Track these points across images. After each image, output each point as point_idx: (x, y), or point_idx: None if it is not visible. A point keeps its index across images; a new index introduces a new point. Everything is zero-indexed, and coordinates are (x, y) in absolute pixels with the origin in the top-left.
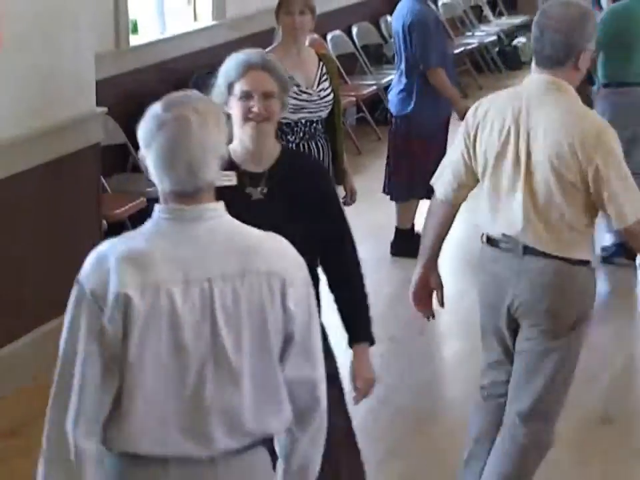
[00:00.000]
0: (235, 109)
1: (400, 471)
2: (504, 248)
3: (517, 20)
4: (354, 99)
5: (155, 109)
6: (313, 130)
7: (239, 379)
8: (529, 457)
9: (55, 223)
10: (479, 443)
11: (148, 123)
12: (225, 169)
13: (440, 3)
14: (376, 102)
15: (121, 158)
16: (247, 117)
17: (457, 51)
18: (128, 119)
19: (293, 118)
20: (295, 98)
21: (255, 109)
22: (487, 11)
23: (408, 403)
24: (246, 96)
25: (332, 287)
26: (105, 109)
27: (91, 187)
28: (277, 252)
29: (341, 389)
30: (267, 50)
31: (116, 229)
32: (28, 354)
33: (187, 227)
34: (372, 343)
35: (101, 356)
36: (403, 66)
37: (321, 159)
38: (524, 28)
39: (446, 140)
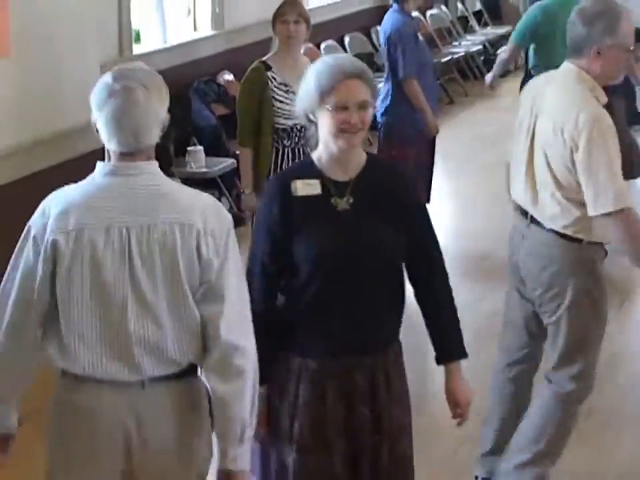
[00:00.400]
0: (327, 118)
1: None
2: (517, 215)
3: (502, 30)
4: None
5: (106, 78)
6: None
7: (158, 315)
8: (558, 408)
9: None
10: (496, 405)
11: (100, 91)
12: (309, 177)
13: (428, 14)
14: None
15: None
16: (341, 129)
17: (444, 60)
18: None
19: (288, 124)
20: (290, 104)
21: (352, 121)
22: (473, 22)
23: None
24: (342, 107)
25: (420, 298)
26: None
27: None
28: (196, 206)
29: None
30: (264, 58)
31: None
32: None
33: (121, 181)
34: (466, 356)
35: (33, 288)
36: (385, 74)
37: None
38: (508, 38)
39: (430, 146)
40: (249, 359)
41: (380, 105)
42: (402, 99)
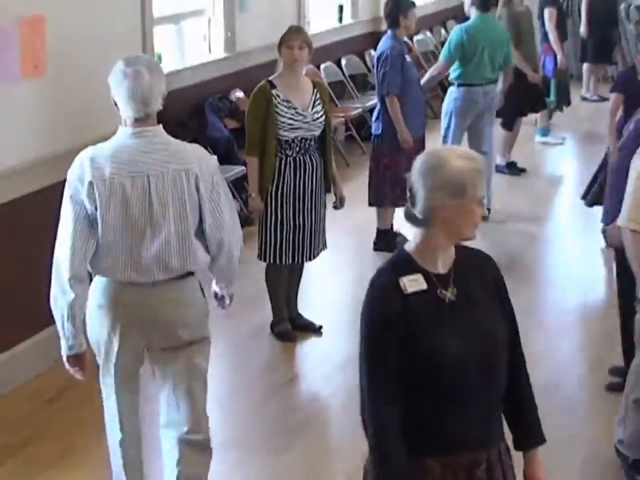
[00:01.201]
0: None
1: None
2: None
3: None
4: (343, 119)
5: (120, 66)
6: (307, 146)
7: (167, 237)
8: None
9: None
10: None
11: (116, 74)
12: (407, 272)
13: (415, 40)
14: (362, 122)
15: None
16: (476, 223)
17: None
18: None
19: (290, 136)
20: (291, 119)
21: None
22: None
23: None
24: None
25: (508, 386)
26: None
27: None
28: (194, 155)
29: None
30: (270, 78)
31: None
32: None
33: (140, 141)
34: (545, 442)
35: (83, 218)
36: (377, 91)
37: (314, 171)
38: None
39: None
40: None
41: (375, 120)
42: (389, 115)
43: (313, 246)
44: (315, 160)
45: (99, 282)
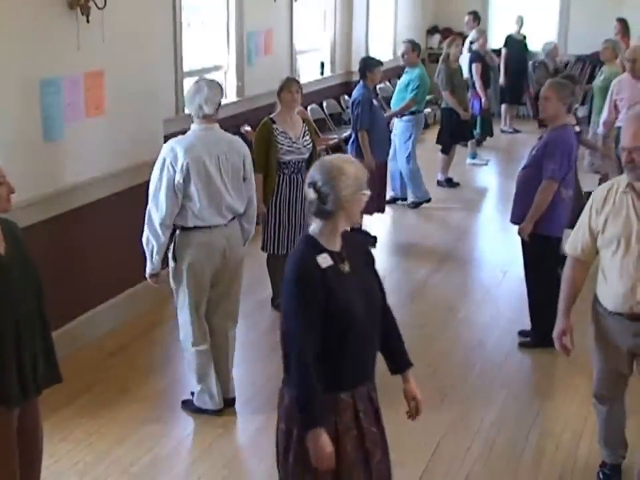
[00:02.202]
0: (359, 202)
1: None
2: None
3: (429, 97)
4: (324, 147)
5: (201, 81)
6: (299, 167)
7: (232, 194)
8: None
9: (138, 221)
10: None
11: (198, 85)
12: (318, 252)
13: (378, 87)
14: (338, 148)
15: None
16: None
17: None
18: None
19: (287, 159)
20: (289, 146)
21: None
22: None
23: None
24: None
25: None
26: None
27: None
28: (238, 143)
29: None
30: (271, 115)
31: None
32: (142, 295)
33: (210, 132)
34: (412, 365)
35: (172, 186)
36: (351, 126)
37: (304, 185)
38: (434, 101)
39: (382, 175)
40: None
41: (350, 147)
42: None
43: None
44: (304, 177)
45: (184, 231)
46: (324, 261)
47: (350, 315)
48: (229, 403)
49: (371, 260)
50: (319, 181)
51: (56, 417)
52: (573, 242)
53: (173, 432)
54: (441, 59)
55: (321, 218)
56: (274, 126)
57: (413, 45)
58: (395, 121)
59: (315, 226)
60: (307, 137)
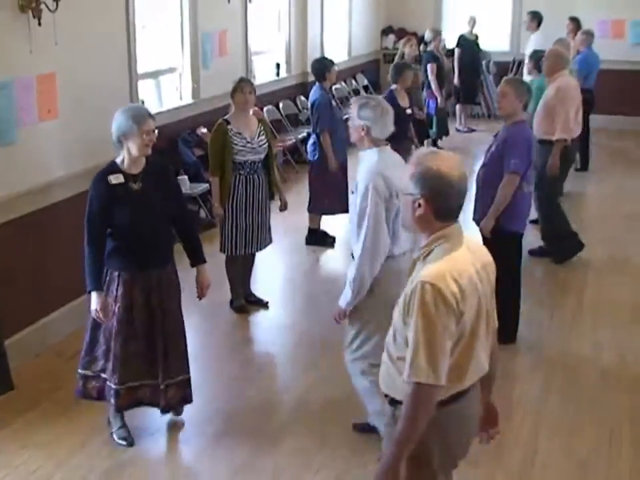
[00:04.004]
0: (138, 139)
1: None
2: None
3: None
4: (281, 147)
5: (378, 106)
6: (255, 167)
7: None
8: None
9: None
10: None
11: (376, 112)
12: (113, 173)
13: (334, 88)
14: (295, 149)
15: None
16: (146, 144)
17: (345, 117)
18: None
19: (242, 159)
20: (242, 146)
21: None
22: (362, 92)
23: (317, 329)
24: (147, 132)
25: (182, 236)
26: None
27: None
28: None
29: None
30: (225, 117)
31: None
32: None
33: (388, 153)
34: (205, 262)
35: (382, 216)
36: (311, 128)
37: (260, 185)
38: None
39: (343, 175)
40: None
41: (309, 148)
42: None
43: (260, 240)
44: (261, 177)
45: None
46: (114, 179)
47: (128, 223)
48: None
49: (169, 182)
50: (118, 129)
51: (15, 423)
52: None
53: (133, 436)
54: (395, 58)
55: (118, 148)
56: (229, 127)
57: None
58: None
59: (120, 156)
60: (263, 137)
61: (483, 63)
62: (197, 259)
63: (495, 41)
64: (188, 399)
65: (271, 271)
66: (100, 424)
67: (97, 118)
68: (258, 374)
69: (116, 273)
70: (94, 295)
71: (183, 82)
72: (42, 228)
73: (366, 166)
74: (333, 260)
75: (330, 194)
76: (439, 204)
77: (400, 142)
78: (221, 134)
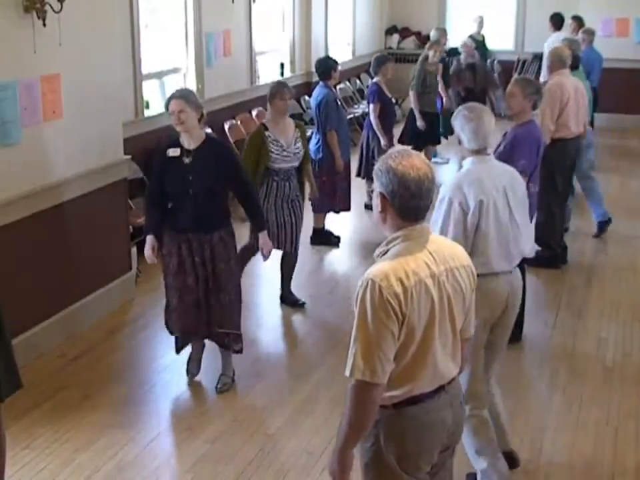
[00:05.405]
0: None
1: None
2: None
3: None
4: None
5: (464, 112)
6: (289, 174)
7: (520, 230)
8: None
9: (100, 225)
10: None
11: (465, 119)
12: (173, 147)
13: (338, 88)
14: None
15: (140, 187)
16: (175, 123)
17: (349, 117)
18: (144, 162)
19: (277, 166)
20: (279, 154)
21: (175, 120)
22: (366, 92)
23: (322, 328)
24: (171, 113)
25: (244, 203)
26: (129, 157)
27: (121, 205)
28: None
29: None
30: (264, 121)
31: (138, 231)
32: (102, 300)
33: (484, 164)
34: (264, 229)
35: (463, 232)
36: (316, 128)
37: (292, 191)
38: None
39: (347, 174)
40: None
41: (313, 148)
42: (327, 144)
43: (293, 239)
44: (293, 183)
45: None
46: (171, 152)
47: (176, 188)
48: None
49: (225, 161)
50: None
51: (18, 424)
52: None
53: (137, 437)
54: (419, 59)
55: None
56: (266, 133)
57: None
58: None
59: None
60: (299, 144)
61: (488, 62)
62: (255, 225)
63: (499, 40)
64: (238, 349)
65: (276, 271)
66: (104, 424)
67: (102, 118)
68: (260, 373)
69: (168, 231)
70: (147, 238)
71: (187, 82)
72: (47, 228)
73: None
74: (338, 260)
75: (334, 193)
76: (395, 202)
77: (391, 131)
78: (258, 139)
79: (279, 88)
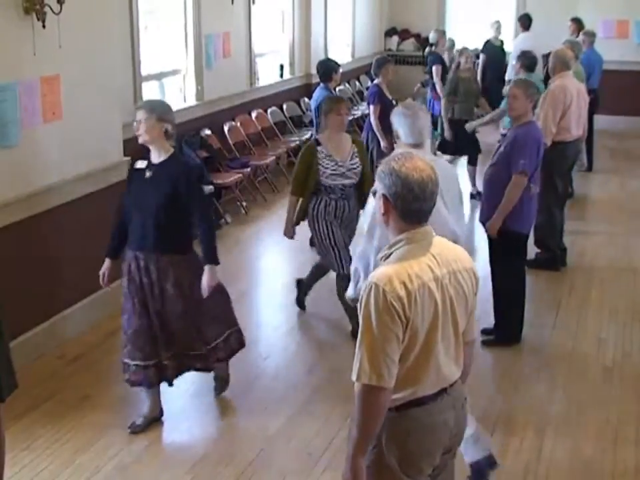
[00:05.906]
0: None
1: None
2: None
3: None
4: (285, 149)
5: (398, 110)
6: (347, 193)
7: None
8: None
9: (101, 226)
10: None
11: (410, 120)
12: (143, 159)
13: (337, 89)
14: (298, 151)
15: None
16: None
17: (349, 119)
18: None
19: (331, 183)
20: (334, 170)
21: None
22: (365, 94)
23: (322, 328)
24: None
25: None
26: (129, 158)
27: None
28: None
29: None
30: (316, 136)
31: None
32: (101, 302)
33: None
34: (217, 264)
35: None
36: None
37: (350, 212)
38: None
39: None
40: None
41: None
42: None
43: (342, 259)
44: (351, 204)
45: None
46: (138, 164)
47: (130, 203)
48: None
49: (181, 183)
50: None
51: (18, 425)
52: None
53: (136, 438)
54: (452, 67)
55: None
56: (319, 148)
57: None
58: None
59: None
60: (356, 160)
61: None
62: (203, 256)
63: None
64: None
65: (275, 272)
66: (104, 425)
67: (101, 120)
68: (261, 374)
69: (127, 248)
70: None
71: (186, 84)
72: (46, 230)
73: None
74: None
75: None
76: (398, 204)
77: (390, 133)
78: (309, 154)
79: (335, 103)
